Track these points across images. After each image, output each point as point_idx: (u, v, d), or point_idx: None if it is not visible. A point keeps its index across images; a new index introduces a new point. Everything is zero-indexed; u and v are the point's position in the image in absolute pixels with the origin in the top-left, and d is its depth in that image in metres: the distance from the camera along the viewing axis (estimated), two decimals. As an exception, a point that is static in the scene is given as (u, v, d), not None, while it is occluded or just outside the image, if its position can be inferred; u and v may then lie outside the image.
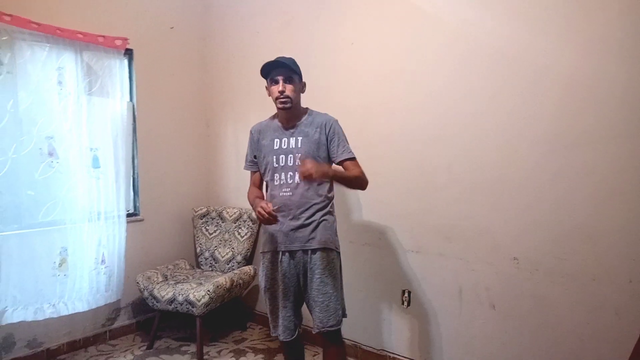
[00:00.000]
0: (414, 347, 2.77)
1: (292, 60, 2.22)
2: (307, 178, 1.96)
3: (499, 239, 2.40)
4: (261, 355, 3.12)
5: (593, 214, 2.11)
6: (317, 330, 2.19)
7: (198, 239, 3.69)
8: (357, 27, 2.89)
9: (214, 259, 3.61)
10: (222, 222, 3.67)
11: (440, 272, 2.63)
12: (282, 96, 2.17)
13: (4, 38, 2.67)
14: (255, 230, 3.58)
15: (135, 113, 3.43)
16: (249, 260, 3.60)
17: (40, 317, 2.84)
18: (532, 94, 2.24)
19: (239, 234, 3.58)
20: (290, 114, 2.25)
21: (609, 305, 2.09)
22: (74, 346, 3.15)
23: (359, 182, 2.22)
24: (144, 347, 3.23)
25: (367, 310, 2.95)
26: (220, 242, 3.63)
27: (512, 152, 2.33)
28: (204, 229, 3.69)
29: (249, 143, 2.42)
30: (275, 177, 2.25)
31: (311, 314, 2.23)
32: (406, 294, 2.77)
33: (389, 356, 2.86)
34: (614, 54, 2.01)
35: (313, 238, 2.18)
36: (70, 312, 2.96)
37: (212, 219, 3.70)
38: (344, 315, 2.28)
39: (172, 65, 3.68)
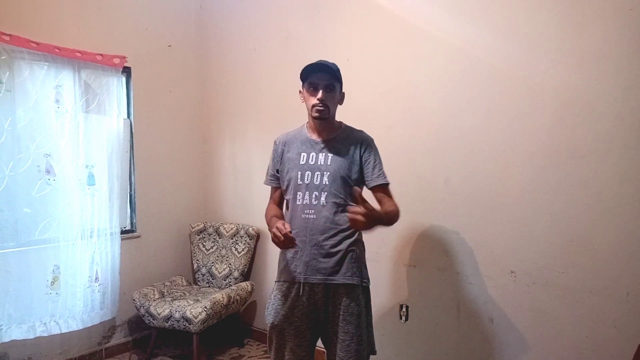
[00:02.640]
0: (412, 363, 2.75)
1: (337, 67, 1.98)
2: (355, 226, 1.74)
3: (496, 252, 2.41)
4: (259, 373, 3.09)
5: (590, 227, 2.12)
6: None
7: (195, 255, 3.68)
8: (352, 44, 2.93)
9: (211, 275, 3.59)
10: (219, 238, 3.66)
11: (438, 286, 2.63)
12: (320, 104, 1.93)
13: (3, 57, 2.69)
14: (253, 246, 3.58)
15: (133, 130, 3.45)
16: (246, 276, 3.59)
17: (31, 336, 2.82)
18: (528, 109, 2.27)
19: (236, 249, 3.57)
20: (324, 126, 2.02)
21: (607, 319, 2.09)
22: (69, 365, 3.12)
23: (395, 220, 1.96)
24: (141, 366, 3.20)
25: (366, 326, 2.92)
26: (217, 258, 3.61)
27: (508, 166, 2.35)
28: (200, 245, 3.68)
29: (272, 155, 2.16)
30: (297, 196, 1.98)
31: (328, 351, 2.01)
32: (404, 309, 2.76)
33: (388, 372, 2.84)
34: (608, 68, 2.05)
35: (338, 271, 1.93)
36: (62, 331, 2.94)
37: (209, 234, 3.69)
38: (373, 352, 2.04)
39: (170, 82, 3.71)
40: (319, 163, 1.98)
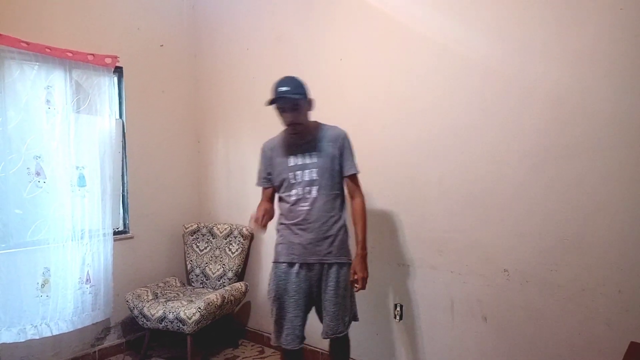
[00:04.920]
0: (407, 362, 2.76)
1: (296, 84, 2.21)
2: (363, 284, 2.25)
3: (489, 251, 2.42)
4: (253, 373, 3.08)
5: (582, 226, 2.14)
6: (326, 336, 2.31)
7: (189, 255, 3.66)
8: (345, 44, 2.93)
9: (205, 276, 3.58)
10: (213, 239, 3.65)
11: (432, 285, 2.64)
12: (290, 125, 2.23)
13: (-7, 57, 2.67)
14: (247, 247, 3.57)
15: (125, 130, 3.43)
16: (240, 276, 3.58)
17: (22, 339, 2.79)
18: (521, 108, 2.28)
19: (230, 250, 3.56)
20: (303, 133, 2.28)
21: (599, 316, 2.11)
22: (62, 367, 3.09)
23: (365, 216, 2.34)
24: (134, 367, 3.18)
25: (360, 325, 2.91)
26: (211, 258, 3.60)
27: (502, 165, 2.36)
28: (194, 246, 3.67)
29: (261, 160, 2.43)
30: (292, 192, 2.28)
31: (321, 320, 2.34)
32: (398, 308, 2.77)
33: (383, 371, 2.85)
34: (600, 68, 2.06)
35: (330, 252, 2.27)
36: (53, 334, 2.92)
37: (203, 235, 3.68)
38: (356, 319, 2.42)
39: (163, 82, 3.69)
40: (306, 162, 2.27)
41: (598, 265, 2.10)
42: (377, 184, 2.78)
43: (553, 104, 2.19)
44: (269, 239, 3.49)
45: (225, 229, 3.62)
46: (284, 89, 2.17)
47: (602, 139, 2.07)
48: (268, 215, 2.25)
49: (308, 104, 2.27)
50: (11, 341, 2.76)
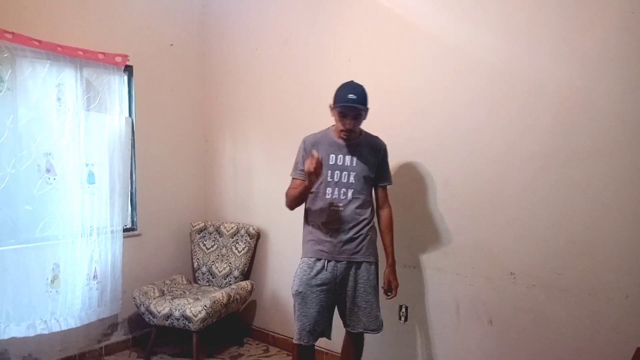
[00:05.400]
0: (411, 363, 2.76)
1: (363, 94, 2.24)
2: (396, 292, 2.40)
3: (495, 253, 2.41)
4: (258, 372, 3.10)
5: (589, 229, 2.13)
6: (359, 331, 2.36)
7: (195, 253, 3.69)
8: (353, 44, 2.93)
9: (211, 274, 3.60)
10: (220, 237, 3.66)
11: (438, 287, 2.63)
12: (346, 132, 2.26)
13: (5, 55, 2.70)
14: (253, 246, 3.58)
15: (134, 129, 3.46)
16: (246, 275, 3.59)
17: (32, 334, 2.83)
18: (528, 110, 2.27)
19: (237, 248, 3.58)
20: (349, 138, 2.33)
21: (606, 321, 2.09)
22: (69, 362, 3.13)
23: (393, 225, 2.47)
24: (140, 364, 3.21)
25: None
26: (217, 257, 3.62)
27: (508, 167, 2.35)
28: (201, 244, 3.69)
29: (301, 153, 2.41)
30: (327, 191, 2.32)
31: (350, 318, 2.36)
32: (403, 309, 2.77)
33: (387, 372, 2.85)
34: (609, 71, 2.05)
35: (359, 251, 2.32)
36: (62, 329, 2.95)
37: (210, 233, 3.70)
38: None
39: (172, 81, 3.72)
40: (346, 164, 2.32)
41: (605, 270, 2.09)
42: (383, 185, 2.78)
43: (560, 106, 2.18)
44: (276, 238, 3.51)
45: (232, 227, 3.64)
46: (353, 96, 2.19)
47: (609, 142, 2.06)
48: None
49: (366, 113, 2.31)
50: (21, 336, 2.79)
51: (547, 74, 2.21)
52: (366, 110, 2.28)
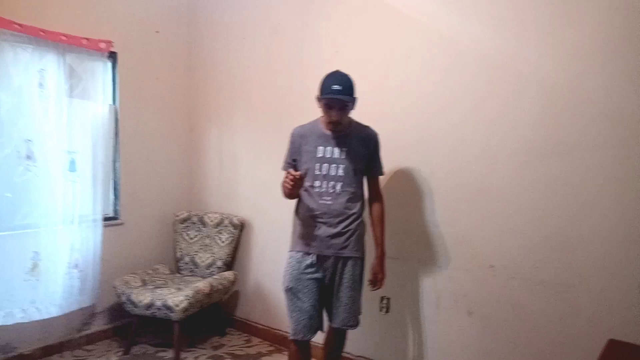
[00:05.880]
0: (392, 354, 2.79)
1: (348, 84, 2.18)
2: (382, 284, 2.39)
3: (476, 246, 2.45)
4: (240, 362, 3.10)
5: (568, 223, 2.17)
6: (337, 326, 2.34)
7: (178, 243, 3.67)
8: (340, 36, 2.93)
9: (194, 264, 3.58)
10: (203, 227, 3.65)
11: (419, 279, 2.67)
12: (333, 123, 2.22)
13: (-15, 38, 2.64)
14: (237, 236, 3.58)
15: (118, 116, 3.41)
16: (229, 265, 3.59)
17: (9, 322, 2.78)
18: (515, 103, 2.30)
19: (220, 239, 3.57)
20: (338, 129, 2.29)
21: (581, 313, 2.14)
22: (49, 351, 3.08)
23: (385, 216, 2.44)
24: (121, 353, 3.18)
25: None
26: (200, 247, 3.61)
27: (492, 162, 2.38)
28: (184, 234, 3.67)
29: (289, 145, 2.39)
30: (315, 184, 2.28)
31: (332, 311, 2.35)
32: (385, 301, 2.80)
33: (368, 363, 2.88)
34: (594, 66, 2.08)
35: (346, 246, 2.28)
36: (42, 317, 2.91)
37: (193, 223, 3.68)
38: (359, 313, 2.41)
39: (157, 69, 3.67)
40: (335, 156, 2.27)
41: (582, 263, 2.14)
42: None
43: (545, 100, 2.21)
44: (260, 229, 3.51)
45: (216, 218, 3.63)
46: (337, 87, 2.13)
47: (591, 137, 2.10)
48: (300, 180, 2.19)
49: (353, 104, 2.26)
50: (-1, 324, 2.75)
51: (533, 68, 2.24)
52: (353, 100, 2.22)
